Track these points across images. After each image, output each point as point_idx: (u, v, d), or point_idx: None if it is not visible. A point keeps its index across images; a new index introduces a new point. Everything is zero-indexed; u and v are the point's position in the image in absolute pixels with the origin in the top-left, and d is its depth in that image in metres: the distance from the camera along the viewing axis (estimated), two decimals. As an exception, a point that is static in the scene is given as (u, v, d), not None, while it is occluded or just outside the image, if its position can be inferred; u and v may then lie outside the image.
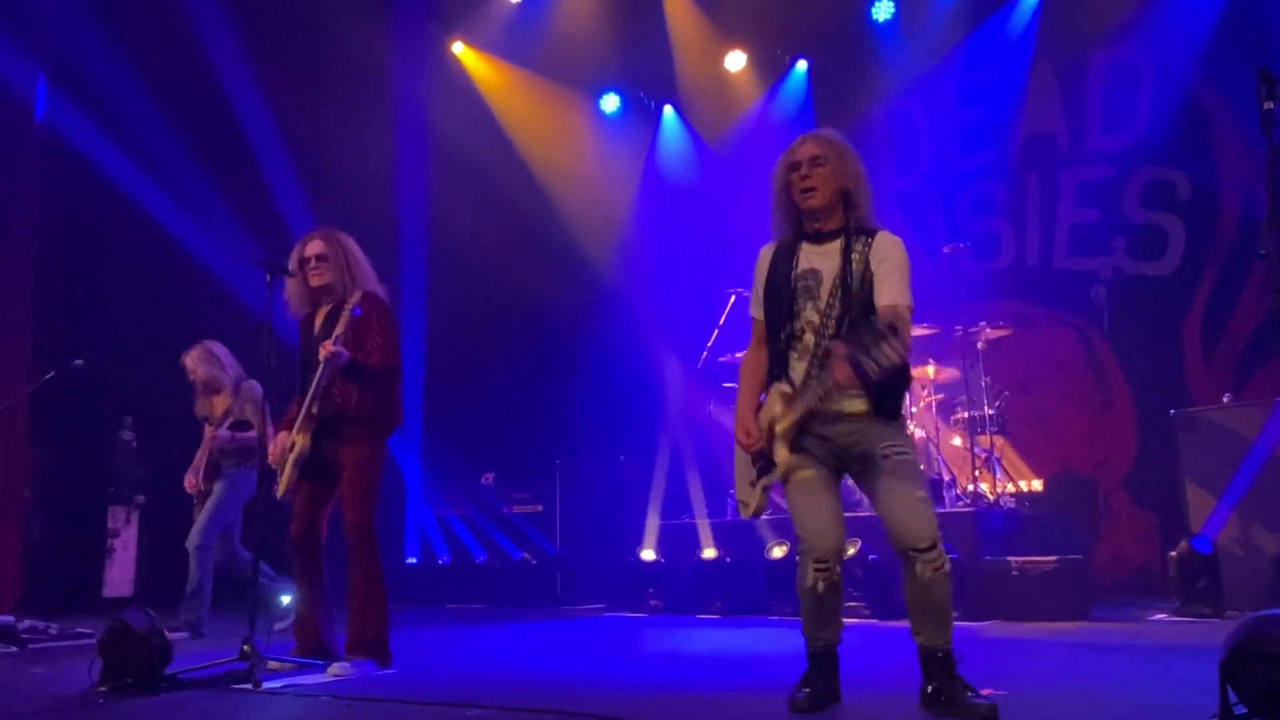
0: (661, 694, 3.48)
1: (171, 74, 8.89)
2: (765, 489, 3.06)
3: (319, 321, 4.32)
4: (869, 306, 2.92)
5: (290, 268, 4.29)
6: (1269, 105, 2.89)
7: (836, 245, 3.03)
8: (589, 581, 7.81)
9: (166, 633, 3.79)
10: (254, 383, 5.78)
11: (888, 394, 2.93)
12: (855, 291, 2.93)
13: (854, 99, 8.61)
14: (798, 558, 3.05)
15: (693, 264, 8.68)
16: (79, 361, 6.01)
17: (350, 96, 8.76)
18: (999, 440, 6.86)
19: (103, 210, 8.53)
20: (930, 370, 6.99)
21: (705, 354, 7.36)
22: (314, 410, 4.14)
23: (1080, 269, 7.77)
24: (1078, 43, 7.82)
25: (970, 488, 6.56)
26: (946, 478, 6.63)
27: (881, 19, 8.49)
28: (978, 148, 8.30)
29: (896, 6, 8.44)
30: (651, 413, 8.24)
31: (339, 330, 4.09)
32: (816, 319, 2.98)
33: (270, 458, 4.23)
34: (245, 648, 3.77)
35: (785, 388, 3.01)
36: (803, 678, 3.09)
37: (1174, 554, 5.69)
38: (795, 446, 2.98)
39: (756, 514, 3.15)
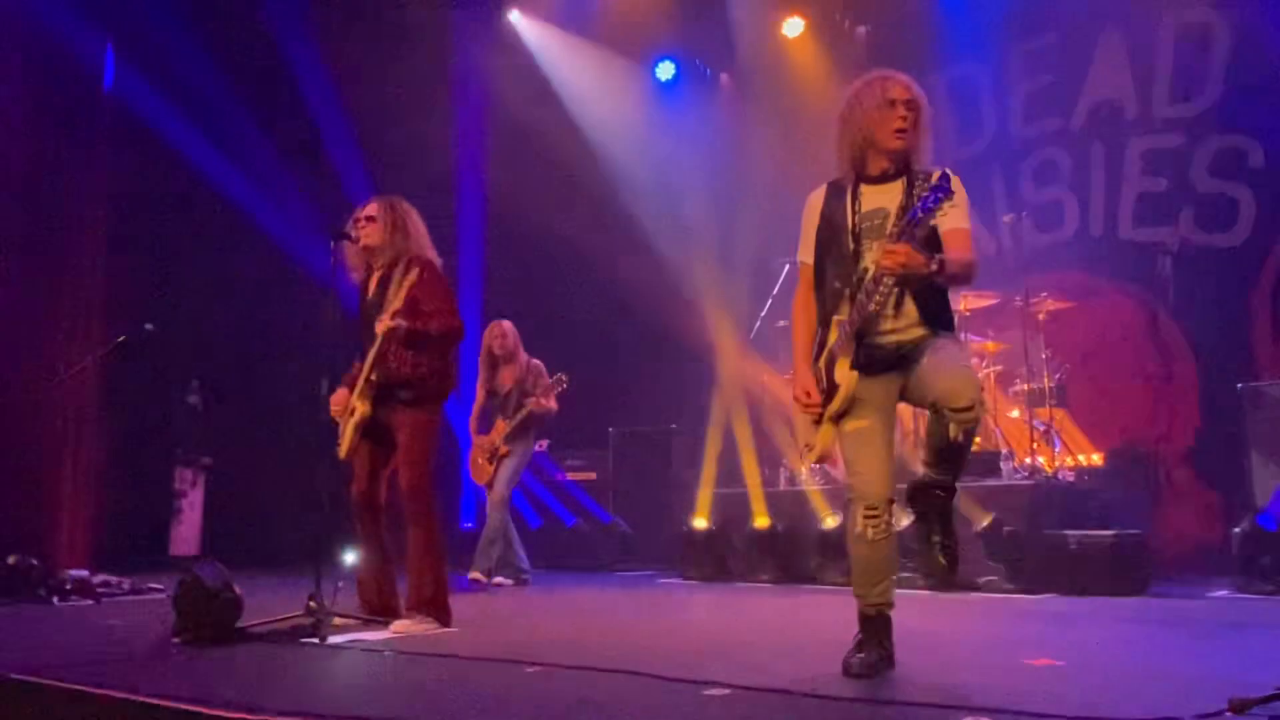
0: (714, 655, 3.53)
1: (235, 44, 9.03)
2: (832, 424, 3.05)
3: (372, 285, 4.42)
4: (931, 244, 2.91)
5: (348, 232, 4.39)
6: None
7: (899, 184, 3.03)
8: (641, 548, 7.89)
9: (237, 587, 3.93)
10: (538, 361, 6.78)
11: (941, 305, 3.02)
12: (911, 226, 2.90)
13: (914, 65, 8.42)
14: (848, 505, 3.10)
15: (747, 233, 8.63)
16: (149, 326, 6.19)
17: (410, 66, 8.82)
18: (1058, 413, 6.76)
19: (169, 178, 8.72)
20: (990, 343, 6.91)
21: (759, 324, 7.34)
22: (372, 377, 4.24)
23: (1146, 239, 7.59)
24: (1147, 5, 7.58)
25: (1029, 461, 6.48)
26: (1004, 450, 6.55)
27: (944, -17, 8.31)
28: (1041, 116, 8.12)
29: (960, -30, 8.26)
30: (705, 382, 8.25)
31: (397, 303, 4.16)
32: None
33: (332, 412, 4.35)
34: (311, 604, 3.89)
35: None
36: (856, 642, 3.09)
37: (1237, 530, 5.58)
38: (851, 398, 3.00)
39: (822, 458, 3.16)
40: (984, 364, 6.95)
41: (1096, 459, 7.05)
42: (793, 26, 8.92)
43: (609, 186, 8.87)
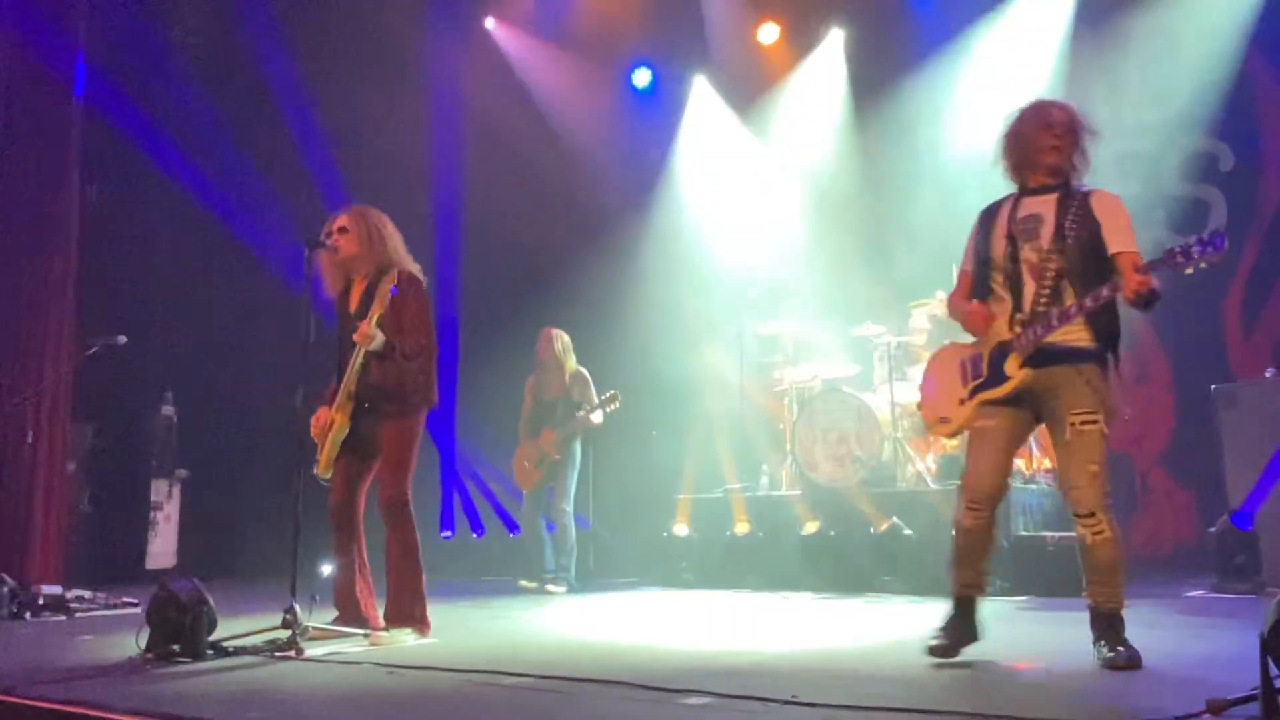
0: (695, 664, 3.51)
1: (208, 51, 8.98)
2: (977, 405, 3.40)
3: (354, 298, 4.39)
4: (1087, 249, 3.30)
5: (323, 240, 4.36)
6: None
7: (1055, 196, 3.42)
8: (622, 556, 7.86)
9: (212, 601, 3.88)
10: (584, 371, 6.95)
11: (1111, 318, 3.32)
12: (1070, 233, 3.31)
13: (889, 70, 8.50)
14: (958, 493, 3.47)
15: (726, 237, 8.65)
16: (122, 338, 6.13)
17: (385, 72, 8.78)
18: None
19: (142, 187, 8.65)
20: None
21: (738, 328, 7.35)
22: (352, 389, 4.21)
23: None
24: (1118, 10, 7.64)
25: (1005, 463, 6.50)
26: (981, 453, 6.57)
27: (917, -12, 8.36)
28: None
29: (933, -26, 8.31)
30: (684, 387, 8.25)
31: (376, 310, 4.14)
32: (1035, 258, 3.35)
33: (313, 433, 4.32)
34: (288, 616, 3.84)
35: (1020, 315, 3.35)
36: (943, 622, 3.44)
37: (1213, 530, 5.63)
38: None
39: (957, 431, 3.55)
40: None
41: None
42: (768, 32, 8.95)
43: (586, 193, 8.86)
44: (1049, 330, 3.26)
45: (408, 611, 4.16)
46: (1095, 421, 3.23)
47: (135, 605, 5.71)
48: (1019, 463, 6.53)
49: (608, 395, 6.84)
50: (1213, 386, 5.97)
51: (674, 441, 7.99)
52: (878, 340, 6.99)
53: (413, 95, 9.04)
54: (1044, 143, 3.42)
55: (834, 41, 8.75)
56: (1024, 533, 5.83)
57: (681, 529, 7.02)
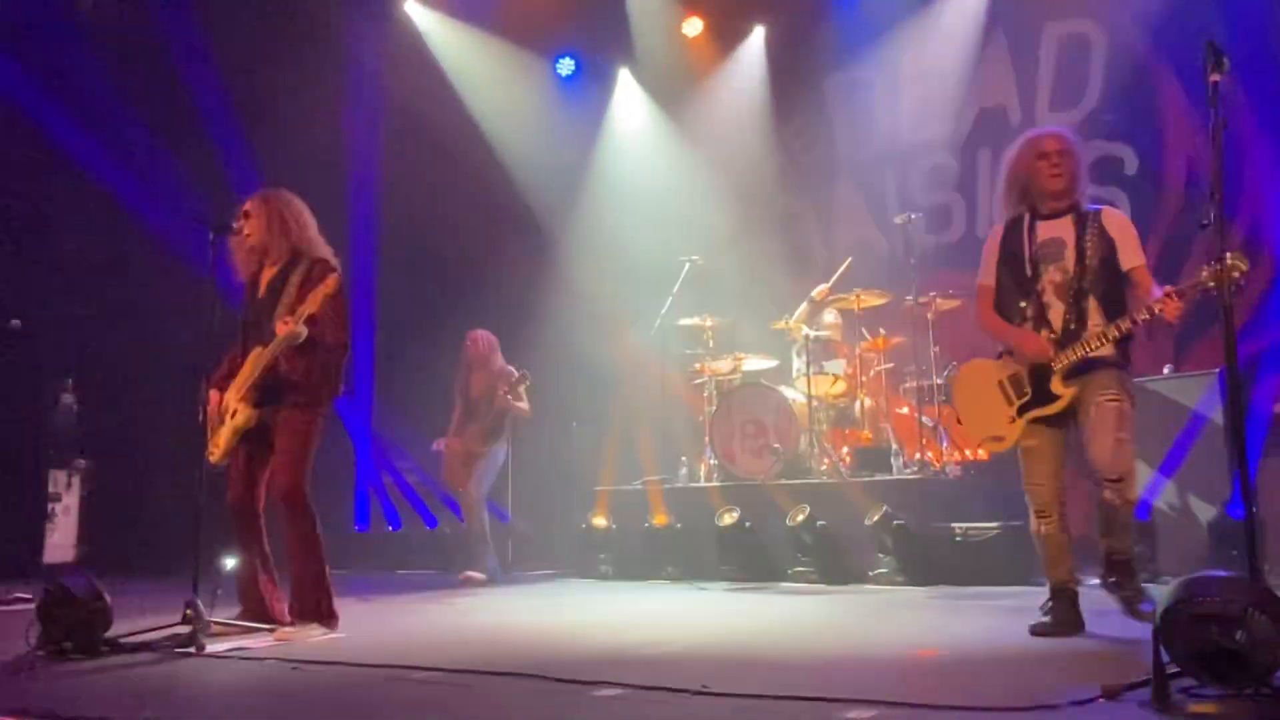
0: (609, 655, 3.50)
1: (113, 27, 8.63)
2: (1026, 422, 3.67)
3: (263, 284, 4.26)
4: (1107, 266, 3.60)
5: (230, 225, 4.23)
6: (1215, 78, 2.93)
7: (1069, 219, 3.68)
8: (540, 548, 7.82)
9: (107, 595, 3.73)
10: (511, 368, 6.90)
11: (1126, 341, 3.61)
12: (1091, 253, 3.59)
13: (810, 69, 8.60)
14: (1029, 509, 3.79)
15: (648, 230, 8.65)
16: (16, 322, 5.86)
17: (299, 55, 8.55)
18: (946, 409, 6.94)
19: (41, 168, 8.28)
20: (881, 340, 7.06)
21: (659, 321, 7.35)
22: (257, 379, 4.09)
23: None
24: (1030, 16, 7.85)
25: (918, 456, 6.65)
26: (894, 446, 6.71)
27: (839, -11, 8.45)
28: (931, 120, 8.34)
29: (854, -27, 8.41)
30: (604, 379, 8.24)
31: (311, 307, 4.00)
32: (1060, 279, 3.64)
33: (208, 415, 4.17)
34: (188, 611, 3.72)
35: (1049, 334, 3.63)
36: (1046, 608, 3.70)
37: (1112, 521, 5.82)
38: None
39: (1010, 447, 3.76)
40: (876, 361, 7.10)
41: (982, 454, 7.26)
42: (692, 26, 8.96)
43: (507, 181, 8.77)
44: (1091, 351, 3.55)
45: (313, 605, 4.06)
46: (1118, 400, 3.53)
47: (30, 601, 5.47)
48: (930, 455, 6.68)
49: (518, 375, 6.78)
50: (1114, 382, 6.15)
51: (593, 433, 7.98)
52: (795, 334, 7.06)
53: (329, 76, 8.81)
54: (1044, 172, 3.67)
55: (757, 38, 8.81)
56: (934, 524, 5.95)
57: (600, 521, 7.01)
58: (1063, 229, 3.67)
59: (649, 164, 9.03)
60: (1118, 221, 3.71)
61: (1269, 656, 2.31)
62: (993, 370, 3.81)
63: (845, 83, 8.63)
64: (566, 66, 9.42)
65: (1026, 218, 3.75)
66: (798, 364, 7.10)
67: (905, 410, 7.16)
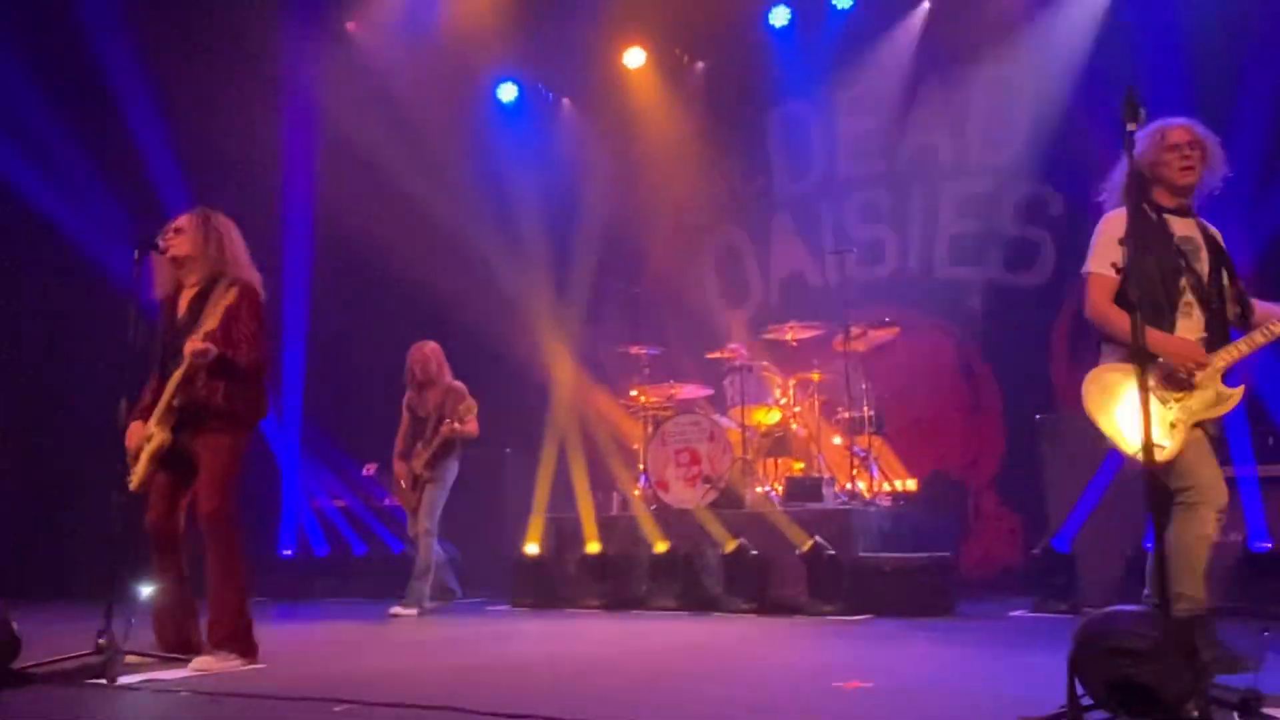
0: (537, 688, 3.47)
1: (45, 45, 8.41)
2: (1189, 426, 3.27)
3: (183, 304, 4.18)
4: (1223, 276, 3.41)
5: (155, 242, 4.14)
6: (1131, 127, 3.04)
7: (1193, 220, 3.48)
8: (472, 575, 7.71)
9: (14, 625, 3.59)
10: (461, 385, 6.59)
11: None
12: (1219, 260, 3.41)
13: (750, 103, 8.74)
14: (1183, 509, 3.25)
15: (584, 256, 8.67)
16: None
17: (235, 75, 8.43)
18: (877, 441, 7.06)
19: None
20: (815, 373, 7.15)
21: (596, 347, 7.36)
22: (174, 403, 3.99)
23: (958, 278, 8.08)
24: (962, 58, 8.07)
25: (849, 486, 6.73)
26: (826, 476, 6.79)
27: (778, 25, 8.61)
28: (866, 156, 8.52)
29: (793, 13, 8.59)
30: (538, 406, 8.20)
31: (210, 324, 3.94)
32: (1195, 281, 3.37)
33: (129, 447, 4.06)
34: (101, 641, 3.59)
35: (1204, 336, 3.34)
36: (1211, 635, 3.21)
37: (1034, 552, 5.96)
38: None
39: (1172, 456, 3.27)
40: (809, 391, 7.19)
41: (911, 485, 7.40)
42: (634, 57, 9.05)
43: (445, 205, 8.73)
44: (1252, 351, 3.32)
45: (231, 635, 3.95)
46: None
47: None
48: (861, 485, 6.77)
49: (464, 405, 6.65)
50: (1038, 416, 6.33)
51: (528, 460, 7.92)
52: (730, 363, 7.12)
53: (265, 93, 8.70)
54: (1173, 164, 3.44)
55: (698, 71, 8.93)
56: (863, 554, 6.02)
57: (533, 548, 6.95)
58: (1191, 229, 3.46)
59: (588, 190, 9.06)
60: (1219, 236, 3.53)
61: (1179, 689, 2.37)
62: (1128, 376, 3.26)
63: (783, 117, 8.78)
64: (509, 92, 9.43)
65: (1148, 210, 3.44)
66: (732, 393, 7.16)
67: (838, 440, 7.25)
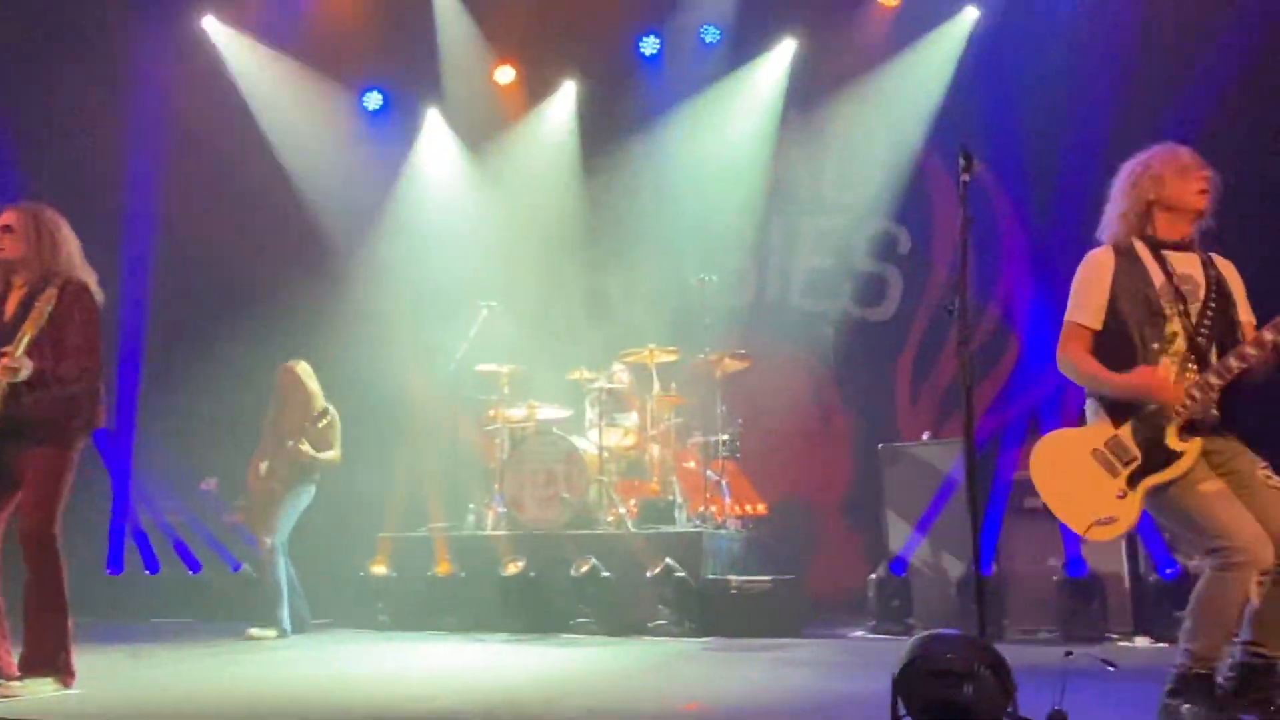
0: (375, 713, 3.38)
1: None
2: (1145, 493, 2.96)
3: (10, 306, 3.93)
4: (1226, 318, 3.07)
5: (-17, 243, 3.88)
6: (965, 178, 3.24)
7: (1196, 256, 3.14)
8: (315, 595, 7.45)
9: None
10: (332, 409, 6.45)
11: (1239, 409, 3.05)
12: (1220, 300, 3.07)
13: (619, 127, 8.81)
14: (1220, 570, 2.85)
15: (447, 271, 8.56)
16: None
17: (79, 58, 7.98)
18: (730, 465, 7.20)
19: None
20: (672, 396, 7.25)
21: (454, 364, 7.26)
22: None
23: (813, 309, 8.35)
24: (823, 97, 8.36)
25: (701, 509, 6.84)
26: (679, 499, 6.88)
27: (648, 53, 8.75)
28: (730, 187, 8.71)
29: (662, 42, 8.73)
30: (394, 421, 8.02)
31: (28, 331, 3.71)
32: (1189, 324, 3.04)
33: None
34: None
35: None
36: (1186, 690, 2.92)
37: (873, 575, 6.21)
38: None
39: (1128, 529, 3.03)
40: (666, 415, 7.28)
41: (762, 509, 7.57)
42: (504, 73, 9.02)
43: (300, 211, 8.47)
44: (1212, 390, 2.96)
45: (48, 658, 3.71)
46: (1275, 474, 3.00)
47: None
48: (713, 509, 6.89)
49: (319, 414, 6.43)
50: (880, 445, 6.60)
51: (379, 476, 7.73)
52: (591, 385, 7.15)
53: (109, 86, 8.24)
54: (1191, 187, 3.11)
55: (568, 91, 8.97)
56: (711, 576, 6.13)
57: (380, 568, 6.78)
58: (1192, 266, 3.12)
59: (453, 205, 8.96)
60: (1232, 270, 3.20)
61: (993, 710, 2.51)
62: (1079, 440, 3.11)
63: (652, 143, 8.88)
64: (374, 100, 9.24)
65: (1142, 246, 3.14)
66: (591, 414, 7.18)
67: (692, 464, 7.36)
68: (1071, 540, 5.66)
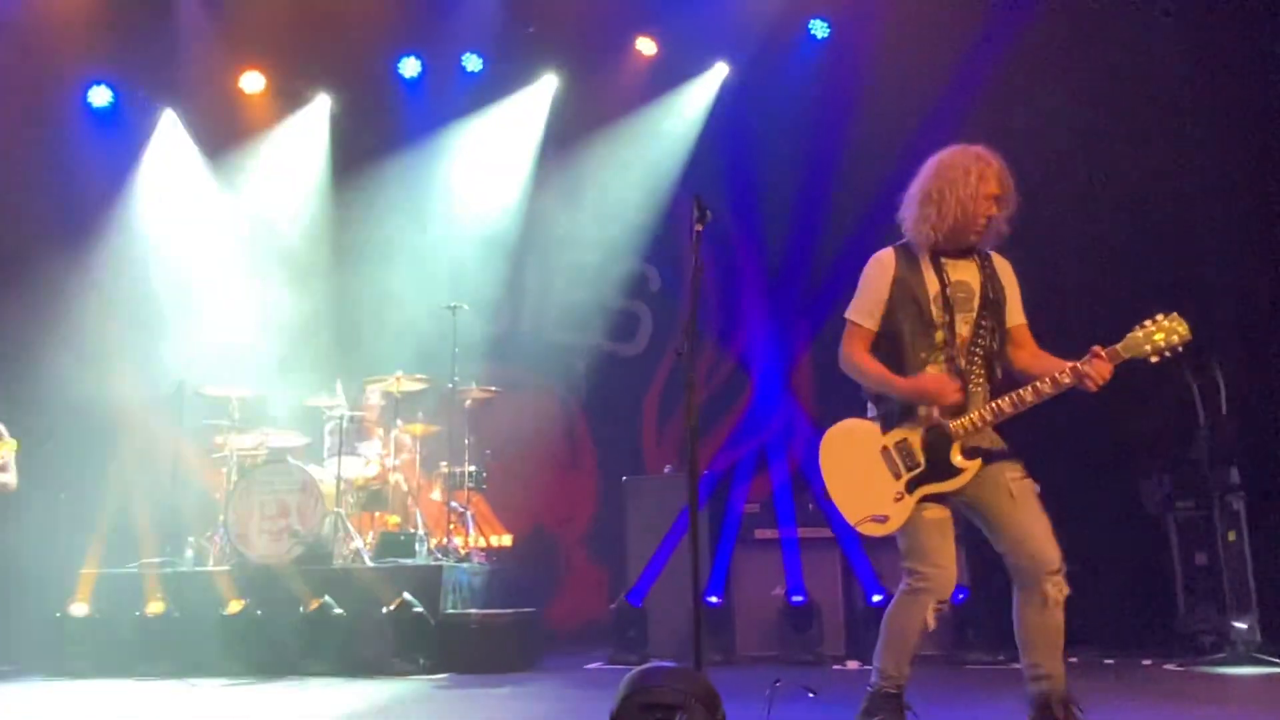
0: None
1: None
2: (918, 500, 3.02)
3: None
4: (1000, 324, 3.11)
5: None
6: (698, 228, 3.39)
7: (974, 261, 3.14)
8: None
9: None
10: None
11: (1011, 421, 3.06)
12: (994, 307, 3.09)
13: (374, 148, 8.57)
14: (909, 593, 3.03)
15: (175, 286, 7.96)
16: None
17: None
18: (476, 496, 7.12)
19: None
20: (418, 426, 7.08)
21: (177, 386, 6.75)
22: None
23: (566, 342, 8.44)
24: (582, 134, 8.50)
25: (444, 541, 6.70)
26: (422, 531, 6.70)
27: (408, 75, 8.58)
28: (487, 217, 8.66)
29: (424, 66, 8.59)
30: (106, 446, 7.32)
31: None
32: (966, 332, 3.07)
33: None
34: None
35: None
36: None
37: (612, 606, 6.30)
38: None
39: (894, 530, 3.05)
40: (410, 445, 7.09)
41: (507, 541, 7.53)
42: (252, 81, 8.55)
43: (6, 211, 7.62)
44: (1001, 417, 3.00)
45: None
46: (1030, 479, 3.05)
47: None
48: (457, 541, 6.77)
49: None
50: (624, 478, 6.74)
51: (86, 507, 7.02)
52: (330, 412, 6.85)
53: None
54: (980, 214, 3.07)
55: (321, 106, 8.64)
56: (450, 610, 6.01)
57: (80, 608, 6.14)
58: (969, 272, 3.12)
59: (188, 215, 8.36)
60: (1008, 269, 3.20)
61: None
62: (872, 434, 3.11)
63: (408, 166, 8.69)
64: (102, 96, 8.48)
65: (923, 252, 3.13)
66: (330, 443, 6.88)
67: (437, 495, 7.21)
68: (794, 569, 6.01)
